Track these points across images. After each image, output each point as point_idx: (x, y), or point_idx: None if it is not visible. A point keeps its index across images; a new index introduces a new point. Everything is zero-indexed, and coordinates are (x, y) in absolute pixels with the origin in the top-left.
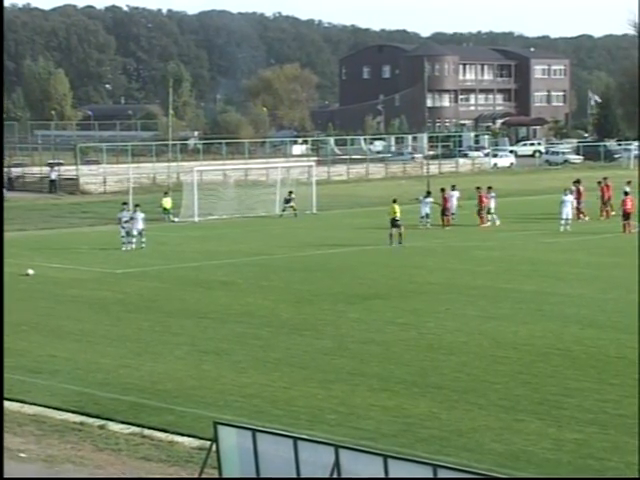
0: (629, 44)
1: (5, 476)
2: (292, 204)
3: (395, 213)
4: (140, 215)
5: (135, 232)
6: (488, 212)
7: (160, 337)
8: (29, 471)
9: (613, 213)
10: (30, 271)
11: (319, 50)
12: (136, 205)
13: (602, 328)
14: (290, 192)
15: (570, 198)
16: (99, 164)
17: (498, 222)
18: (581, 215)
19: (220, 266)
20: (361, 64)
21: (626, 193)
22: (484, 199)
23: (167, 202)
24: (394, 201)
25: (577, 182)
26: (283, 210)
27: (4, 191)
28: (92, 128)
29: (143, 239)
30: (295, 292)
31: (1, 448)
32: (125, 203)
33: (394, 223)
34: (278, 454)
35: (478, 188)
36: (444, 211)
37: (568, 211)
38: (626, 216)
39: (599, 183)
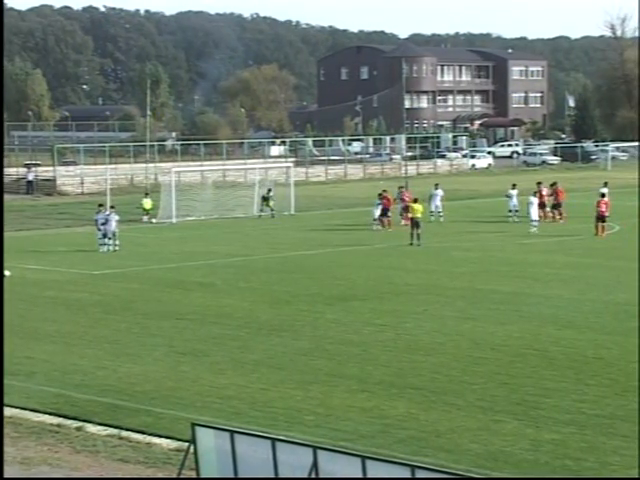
0: (606, 45)
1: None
2: (271, 204)
3: (416, 212)
4: (114, 217)
5: (109, 234)
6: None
7: (138, 338)
8: (6, 473)
9: (562, 221)
10: (6, 272)
11: (297, 51)
12: (111, 207)
13: (579, 329)
14: (269, 190)
15: (536, 200)
16: (76, 165)
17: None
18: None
19: (198, 267)
20: (339, 65)
21: (603, 195)
22: (405, 198)
23: (147, 203)
24: (415, 200)
25: (539, 183)
26: (261, 210)
27: None
28: (69, 129)
29: (117, 242)
30: (273, 293)
31: (1, 448)
32: (101, 205)
33: (415, 222)
34: (256, 455)
35: (400, 187)
36: (385, 212)
37: (535, 212)
38: (600, 219)
39: (552, 185)
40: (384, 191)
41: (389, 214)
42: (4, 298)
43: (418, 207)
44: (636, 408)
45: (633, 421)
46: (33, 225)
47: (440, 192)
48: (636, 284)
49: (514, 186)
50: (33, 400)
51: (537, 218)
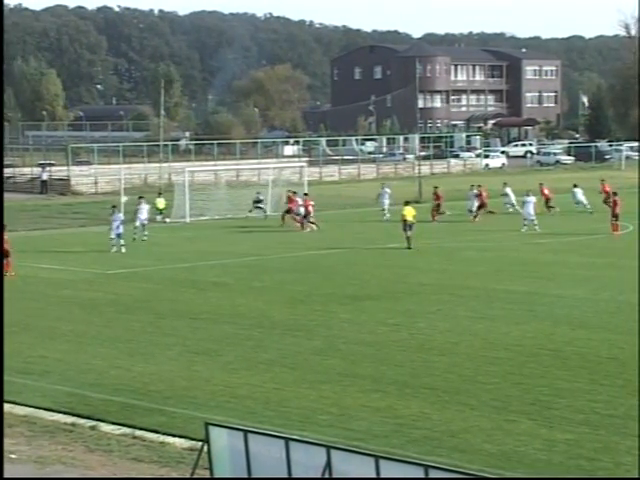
0: (620, 45)
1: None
2: (261, 205)
3: (406, 215)
4: (145, 207)
5: (138, 223)
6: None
7: (151, 338)
8: (20, 472)
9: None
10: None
11: (310, 51)
12: (140, 197)
13: (593, 329)
14: (258, 193)
15: (532, 199)
16: (90, 165)
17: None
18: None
19: (212, 267)
20: (352, 65)
21: (615, 193)
22: (309, 206)
23: (161, 202)
24: (407, 203)
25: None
26: (250, 211)
27: None
28: (83, 129)
29: (145, 232)
30: (287, 293)
31: (1, 448)
32: (114, 206)
33: (407, 225)
34: (270, 455)
35: (305, 194)
36: (289, 211)
37: (530, 211)
38: (615, 217)
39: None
40: (305, 194)
41: (310, 217)
42: (18, 298)
43: (409, 210)
44: None
45: None
46: (47, 225)
47: (387, 190)
48: None
49: (505, 184)
50: (47, 399)
51: (534, 216)
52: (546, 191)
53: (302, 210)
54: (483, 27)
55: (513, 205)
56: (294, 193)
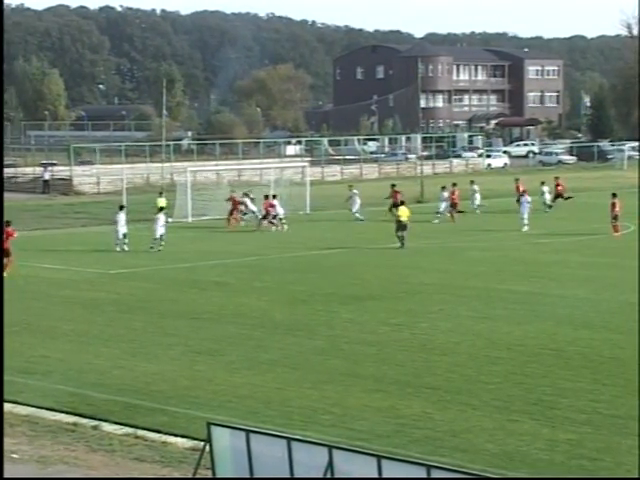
0: (622, 45)
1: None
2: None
3: (401, 216)
4: (162, 218)
5: (157, 235)
6: (274, 217)
7: (153, 338)
8: (22, 472)
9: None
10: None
11: (313, 50)
12: (160, 208)
13: (595, 329)
14: (254, 195)
15: (528, 198)
16: (92, 164)
17: (286, 227)
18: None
19: (213, 266)
20: (355, 64)
21: (614, 195)
22: (269, 207)
23: (162, 202)
24: (402, 203)
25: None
26: (244, 214)
27: None
28: (86, 128)
29: (162, 243)
30: (288, 293)
31: (1, 448)
32: (122, 206)
33: (400, 225)
34: (272, 454)
35: (267, 197)
36: (266, 216)
37: (523, 210)
38: (615, 218)
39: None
40: (266, 197)
41: (234, 215)
42: (20, 297)
43: (404, 210)
44: None
45: None
46: (49, 224)
47: (356, 192)
48: None
49: (472, 182)
50: (49, 399)
51: (527, 215)
52: (520, 188)
53: (252, 209)
54: (485, 27)
55: (479, 204)
56: (245, 194)
